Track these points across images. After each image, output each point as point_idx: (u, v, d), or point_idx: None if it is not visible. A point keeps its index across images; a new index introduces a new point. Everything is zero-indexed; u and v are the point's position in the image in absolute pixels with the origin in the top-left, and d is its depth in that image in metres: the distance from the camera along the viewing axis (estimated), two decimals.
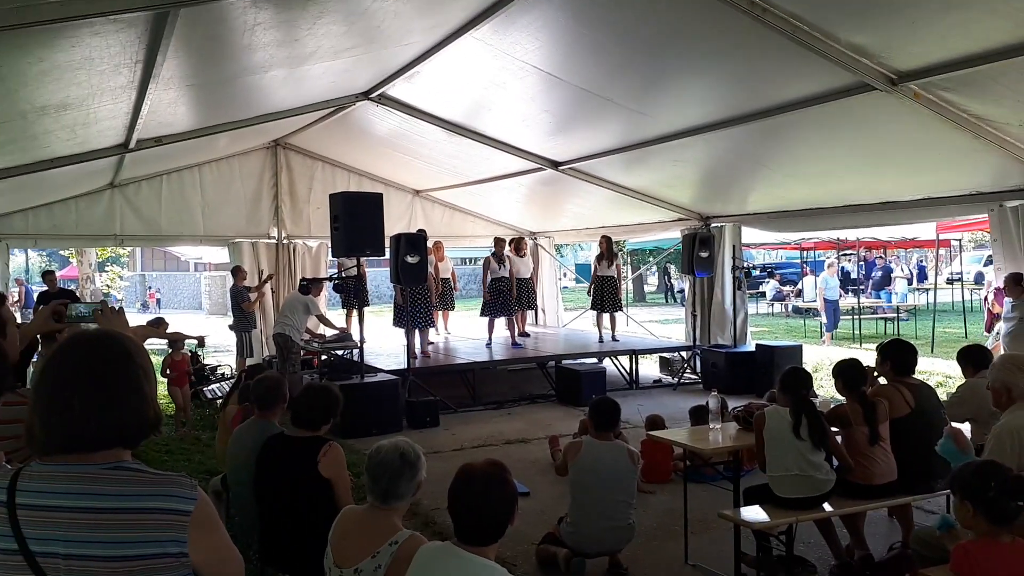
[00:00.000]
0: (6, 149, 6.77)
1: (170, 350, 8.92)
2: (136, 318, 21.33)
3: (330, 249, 9.81)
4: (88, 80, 5.33)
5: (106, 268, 25.87)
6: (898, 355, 4.66)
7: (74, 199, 10.86)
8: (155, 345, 11.94)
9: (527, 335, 11.99)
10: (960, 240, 21.13)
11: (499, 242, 11.80)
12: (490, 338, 11.53)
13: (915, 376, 4.71)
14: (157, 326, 8.90)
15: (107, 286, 24.49)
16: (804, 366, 10.33)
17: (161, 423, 1.57)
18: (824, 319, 15.96)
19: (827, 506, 4.28)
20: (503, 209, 13.86)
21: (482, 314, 11.71)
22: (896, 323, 17.30)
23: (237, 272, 11.26)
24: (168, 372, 8.62)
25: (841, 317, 18.02)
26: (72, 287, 18.99)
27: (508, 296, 11.42)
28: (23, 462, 1.54)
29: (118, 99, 6.07)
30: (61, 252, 29.56)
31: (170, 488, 1.45)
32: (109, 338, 1.55)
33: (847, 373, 4.52)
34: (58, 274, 16.09)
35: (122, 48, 4.81)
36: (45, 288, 11.20)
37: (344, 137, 11.05)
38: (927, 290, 21.78)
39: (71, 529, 1.38)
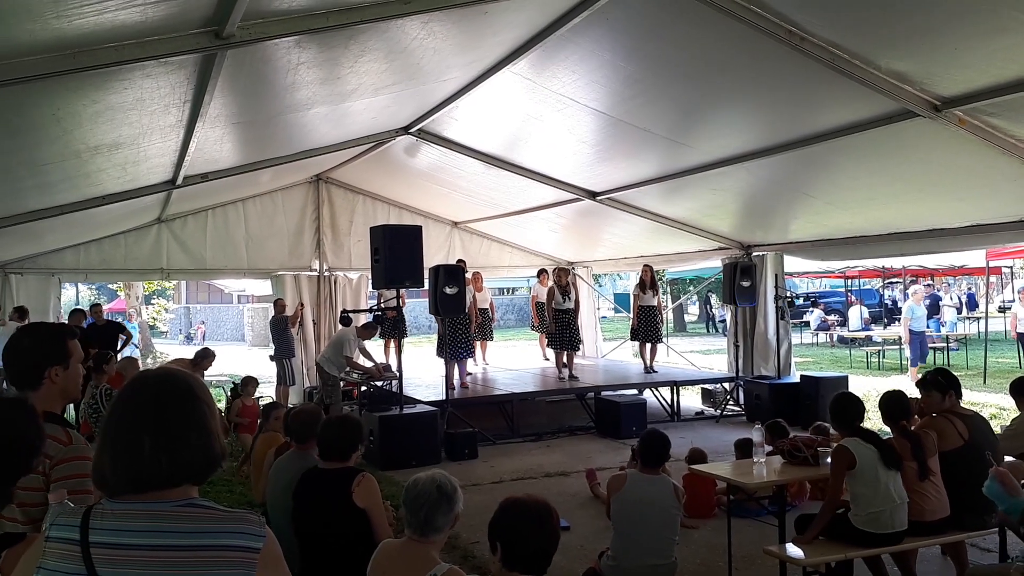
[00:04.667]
0: (61, 187, 7.02)
1: (241, 394, 8.95)
2: (180, 350, 21.75)
3: (370, 281, 9.96)
4: (139, 120, 5.53)
5: (152, 301, 26.50)
6: (952, 383, 4.53)
7: (123, 234, 11.20)
8: (211, 380, 12.14)
9: (576, 378, 11.11)
10: (1011, 267, 20.56)
11: (563, 272, 11.44)
12: (560, 369, 11.17)
13: (966, 406, 4.57)
14: (203, 358, 9.03)
15: (153, 318, 25.04)
16: None
17: (226, 457, 1.60)
18: (908, 352, 14.76)
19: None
20: (541, 239, 13.90)
21: (550, 345, 11.59)
22: (946, 353, 16.85)
23: (277, 304, 11.74)
24: (239, 416, 8.60)
25: (886, 348, 17.65)
26: (120, 319, 19.48)
27: (574, 330, 11.08)
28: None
29: (167, 137, 6.27)
30: (110, 286, 30.41)
31: (241, 525, 1.46)
32: (173, 377, 1.58)
33: (887, 405, 4.41)
34: (106, 307, 16.55)
35: (171, 89, 4.98)
36: (92, 321, 11.53)
37: (384, 171, 11.23)
38: (977, 319, 21.18)
39: (147, 567, 1.40)
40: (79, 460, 2.17)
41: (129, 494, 1.46)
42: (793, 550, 4.16)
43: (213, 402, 1.60)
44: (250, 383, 8.93)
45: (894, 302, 25.53)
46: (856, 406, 4.34)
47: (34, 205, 7.46)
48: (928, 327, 19.24)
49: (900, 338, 15.87)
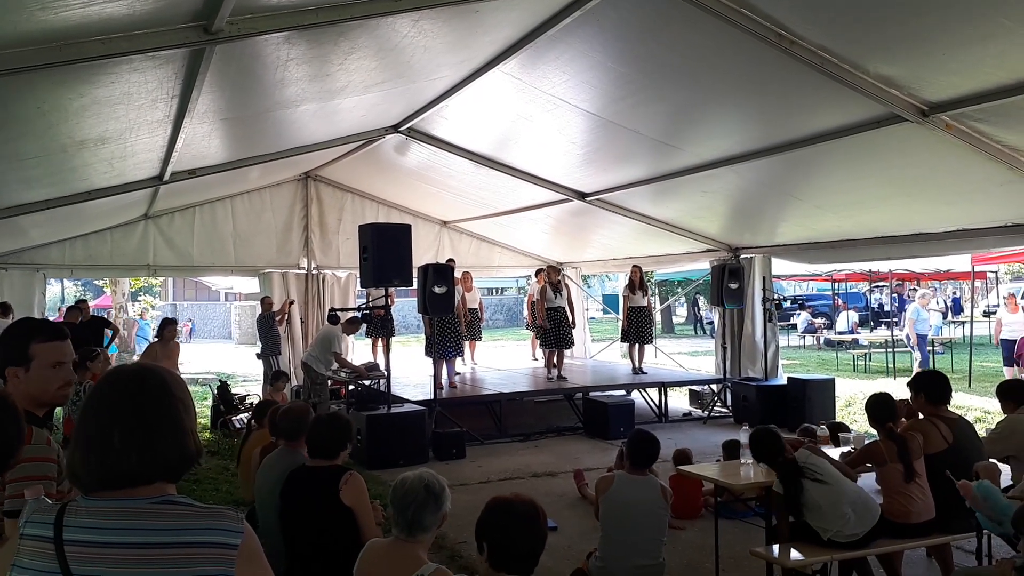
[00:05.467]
0: (46, 181, 6.95)
1: (271, 387, 8.85)
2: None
3: (359, 279, 9.91)
4: (126, 115, 5.47)
5: (139, 298, 26.32)
6: (929, 386, 4.56)
7: (109, 230, 11.11)
8: (196, 377, 12.08)
9: (564, 378, 11.09)
10: (996, 272, 20.73)
11: (553, 270, 11.46)
12: (548, 369, 11.23)
13: (952, 410, 4.60)
14: (164, 328, 8.96)
15: (139, 315, 24.88)
16: (836, 399, 10.27)
17: (202, 455, 1.58)
18: (918, 355, 14.77)
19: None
20: (530, 240, 13.90)
21: (543, 345, 11.61)
22: (931, 357, 16.96)
23: (264, 301, 11.67)
24: None
25: (872, 351, 17.76)
26: (105, 315, 19.33)
27: (566, 327, 11.12)
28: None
29: (154, 133, 6.21)
30: (96, 282, 30.20)
31: (218, 521, 1.44)
32: (148, 372, 1.55)
33: (874, 408, 4.43)
34: (92, 303, 16.41)
35: (159, 84, 4.94)
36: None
37: (373, 169, 11.19)
38: (962, 323, 21.34)
39: (121, 565, 1.38)
40: (31, 462, 2.09)
41: (102, 491, 1.44)
42: (780, 552, 4.18)
43: (189, 398, 1.57)
44: (280, 377, 8.86)
45: (880, 305, 25.71)
46: (775, 442, 4.31)
47: (18, 199, 7.38)
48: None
49: (902, 340, 15.89)
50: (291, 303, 12.00)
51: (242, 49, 4.81)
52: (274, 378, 8.93)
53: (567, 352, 11.56)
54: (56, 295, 28.68)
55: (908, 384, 4.73)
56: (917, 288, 23.25)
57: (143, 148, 6.63)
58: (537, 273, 13.24)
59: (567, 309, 11.22)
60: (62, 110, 5.00)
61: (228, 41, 4.28)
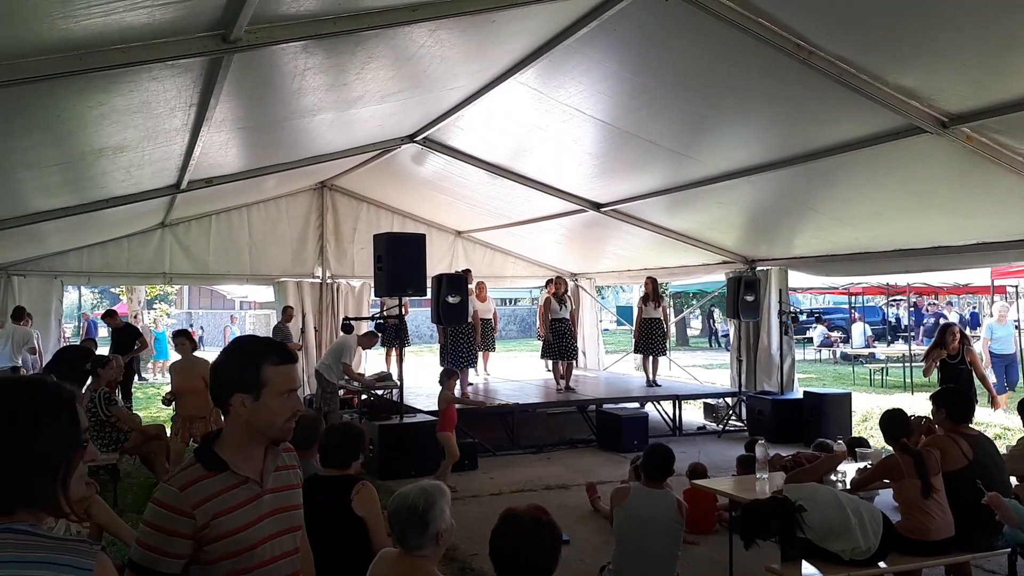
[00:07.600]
0: (65, 189, 7.02)
1: (442, 384, 8.20)
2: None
3: (373, 289, 9.93)
4: (144, 123, 5.52)
5: (154, 305, 26.49)
6: (952, 403, 4.50)
7: (126, 238, 11.20)
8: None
9: (572, 389, 11.02)
10: (1016, 286, 20.46)
11: (560, 282, 11.54)
12: (557, 380, 11.26)
13: (973, 427, 4.53)
14: (175, 341, 8.36)
15: (154, 322, 25.07)
16: (853, 414, 10.15)
17: (62, 504, 1.40)
18: (993, 378, 12.61)
19: (881, 563, 4.09)
20: (544, 250, 13.89)
21: (543, 356, 11.55)
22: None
23: (285, 311, 11.67)
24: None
25: (890, 365, 17.55)
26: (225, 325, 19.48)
27: (570, 338, 11.14)
28: None
29: (172, 141, 6.26)
30: (112, 289, 30.45)
31: (63, 556, 1.31)
32: (24, 384, 1.44)
33: (888, 423, 4.38)
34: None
35: (177, 92, 4.97)
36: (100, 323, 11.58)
37: (389, 179, 11.23)
38: (978, 338, 21.08)
39: None
40: None
41: None
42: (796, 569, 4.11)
43: (37, 426, 1.40)
44: (452, 375, 7.87)
45: (898, 319, 25.50)
46: (765, 511, 4.10)
47: (37, 207, 7.45)
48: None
49: (920, 354, 15.56)
50: (302, 333, 12.07)
51: (260, 58, 4.83)
52: (445, 376, 8.13)
53: (580, 363, 11.51)
54: (73, 302, 28.92)
55: (931, 398, 4.67)
56: (935, 302, 22.97)
57: (161, 156, 6.68)
58: (547, 284, 13.25)
59: (570, 321, 11.20)
60: (81, 118, 5.04)
61: (246, 50, 4.30)
